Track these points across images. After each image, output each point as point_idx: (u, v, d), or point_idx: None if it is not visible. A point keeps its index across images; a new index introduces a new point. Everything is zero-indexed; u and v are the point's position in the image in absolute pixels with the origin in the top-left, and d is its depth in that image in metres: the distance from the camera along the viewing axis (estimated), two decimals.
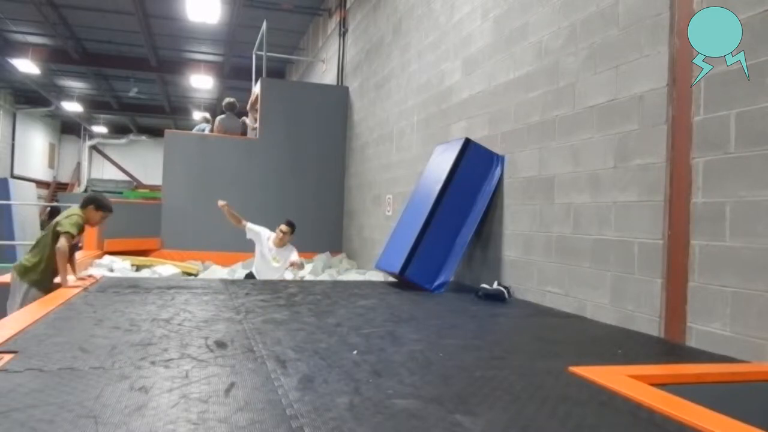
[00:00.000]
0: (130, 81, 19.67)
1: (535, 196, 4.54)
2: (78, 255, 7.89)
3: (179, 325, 3.17)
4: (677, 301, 3.19)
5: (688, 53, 3.15)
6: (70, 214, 4.58)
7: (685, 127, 3.20)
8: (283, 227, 6.19)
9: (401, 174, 7.33)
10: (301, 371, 2.34)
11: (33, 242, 4.77)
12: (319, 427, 1.74)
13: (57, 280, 4.47)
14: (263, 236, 6.23)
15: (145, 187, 26.12)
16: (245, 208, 8.83)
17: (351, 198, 9.62)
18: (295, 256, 6.21)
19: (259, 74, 10.53)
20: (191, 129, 12.78)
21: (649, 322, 3.38)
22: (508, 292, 4.58)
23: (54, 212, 10.35)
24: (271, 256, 6.18)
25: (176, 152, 9.57)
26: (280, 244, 6.18)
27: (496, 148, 5.10)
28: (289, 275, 6.24)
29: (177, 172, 9.46)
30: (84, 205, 4.78)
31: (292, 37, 14.73)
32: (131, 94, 20.82)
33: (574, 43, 4.16)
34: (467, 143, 5.12)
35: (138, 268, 8.10)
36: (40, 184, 24.20)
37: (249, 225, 6.24)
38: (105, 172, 28.56)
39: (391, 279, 5.62)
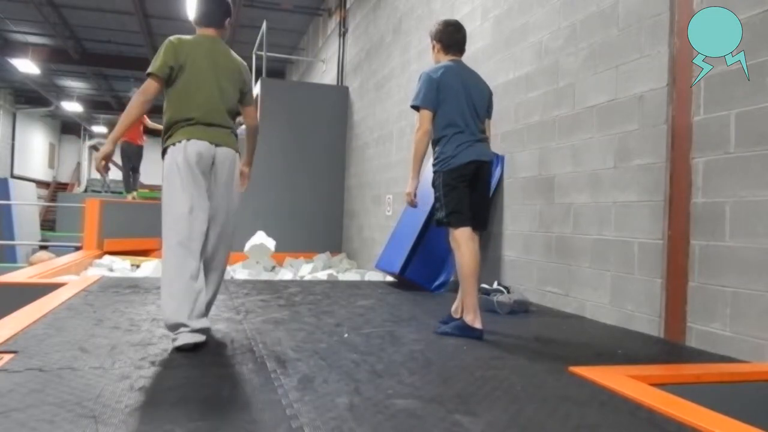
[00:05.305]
0: (130, 81, 19.65)
1: (535, 196, 4.54)
2: (78, 255, 7.90)
3: None
4: (677, 301, 3.19)
5: (688, 53, 3.15)
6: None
7: (685, 127, 3.20)
8: None
9: (401, 174, 7.32)
10: (301, 371, 2.34)
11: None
12: (319, 427, 1.74)
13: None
14: None
15: (145, 187, 26.10)
16: (244, 208, 8.84)
17: (351, 198, 9.62)
18: None
19: (259, 74, 10.53)
20: None
21: (649, 322, 3.38)
22: (508, 290, 4.58)
23: None
24: None
25: None
26: None
27: (496, 148, 5.09)
28: None
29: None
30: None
31: (292, 37, 14.73)
32: (131, 94, 20.77)
33: (574, 43, 4.16)
34: None
35: (138, 268, 8.09)
36: (40, 184, 24.19)
37: None
38: None
39: (391, 279, 5.62)
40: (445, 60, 3.49)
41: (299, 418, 1.81)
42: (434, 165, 3.34)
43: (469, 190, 3.30)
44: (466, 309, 3.21)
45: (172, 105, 2.85)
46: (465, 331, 3.16)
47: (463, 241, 3.25)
